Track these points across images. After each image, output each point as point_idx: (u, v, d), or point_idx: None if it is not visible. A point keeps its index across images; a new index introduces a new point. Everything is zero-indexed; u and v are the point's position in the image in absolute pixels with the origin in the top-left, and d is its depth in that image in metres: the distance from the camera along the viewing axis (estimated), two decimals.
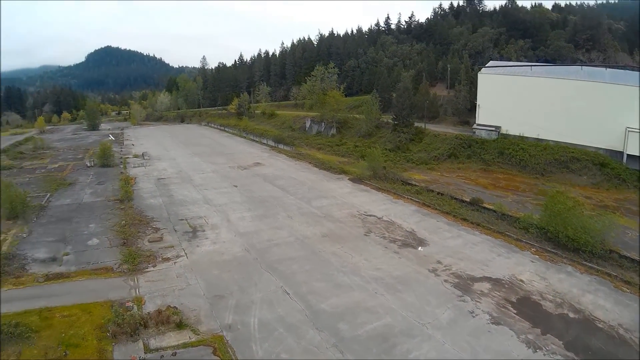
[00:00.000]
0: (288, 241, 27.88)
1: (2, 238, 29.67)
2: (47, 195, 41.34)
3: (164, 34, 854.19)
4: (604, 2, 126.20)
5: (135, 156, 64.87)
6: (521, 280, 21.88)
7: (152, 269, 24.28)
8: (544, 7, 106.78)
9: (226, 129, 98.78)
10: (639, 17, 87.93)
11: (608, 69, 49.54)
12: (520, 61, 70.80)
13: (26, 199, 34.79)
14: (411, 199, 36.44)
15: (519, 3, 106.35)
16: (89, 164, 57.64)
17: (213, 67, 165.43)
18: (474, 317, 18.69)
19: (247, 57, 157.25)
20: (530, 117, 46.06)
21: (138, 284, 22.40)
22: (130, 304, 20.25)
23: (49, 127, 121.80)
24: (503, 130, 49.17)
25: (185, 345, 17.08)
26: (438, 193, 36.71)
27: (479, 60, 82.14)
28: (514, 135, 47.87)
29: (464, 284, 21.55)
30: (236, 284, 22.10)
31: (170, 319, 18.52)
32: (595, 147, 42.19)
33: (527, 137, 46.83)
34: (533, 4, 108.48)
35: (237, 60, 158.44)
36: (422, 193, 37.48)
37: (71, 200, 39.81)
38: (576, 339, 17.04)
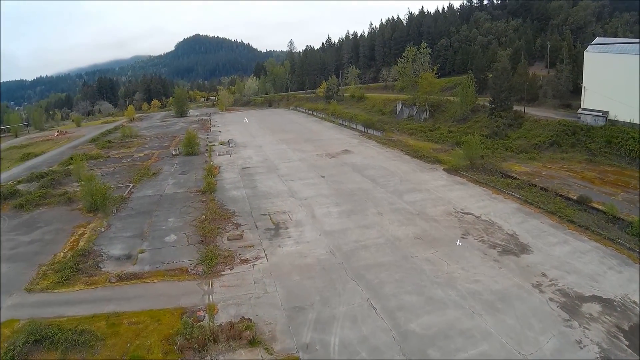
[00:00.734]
0: (377, 243, 26.37)
1: (80, 232, 30.06)
2: (130, 186, 41.70)
3: (253, 22, 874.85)
4: None
5: (221, 143, 66.33)
6: (634, 303, 19.32)
7: (228, 271, 23.57)
8: None
9: (314, 113, 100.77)
10: None
11: None
12: (627, 37, 62.81)
13: (106, 192, 34.84)
14: (512, 195, 34.37)
15: None
16: (174, 153, 59.03)
17: (301, 51, 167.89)
18: (581, 348, 16.53)
19: (334, 40, 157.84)
20: None
21: (212, 289, 21.76)
22: (201, 313, 19.55)
23: (139, 115, 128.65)
24: (611, 116, 45.40)
25: None
26: (541, 188, 34.79)
27: (579, 36, 74.80)
28: (624, 122, 44.07)
29: (572, 305, 19.26)
30: (318, 293, 20.80)
31: (243, 334, 17.50)
32: None
33: (638, 125, 42.71)
34: None
35: (324, 42, 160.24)
36: (523, 188, 35.42)
37: (153, 192, 39.73)
38: None
